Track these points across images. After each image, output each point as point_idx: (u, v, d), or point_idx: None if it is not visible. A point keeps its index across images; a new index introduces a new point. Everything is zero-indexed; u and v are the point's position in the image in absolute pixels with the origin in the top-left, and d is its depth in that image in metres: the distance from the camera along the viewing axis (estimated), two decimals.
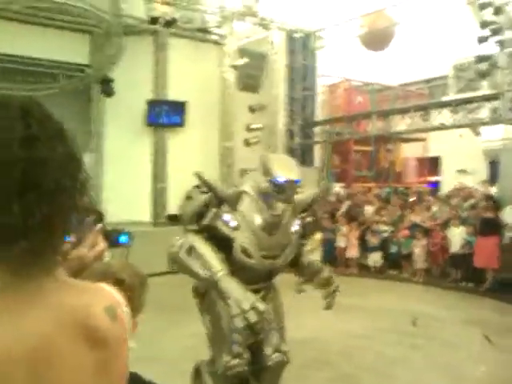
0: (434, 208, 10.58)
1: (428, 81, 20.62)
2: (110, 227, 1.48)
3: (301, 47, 14.63)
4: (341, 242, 10.84)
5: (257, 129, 13.68)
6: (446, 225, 9.67)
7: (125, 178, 11.33)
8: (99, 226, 1.32)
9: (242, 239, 2.98)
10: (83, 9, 10.00)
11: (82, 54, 11.52)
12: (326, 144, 15.74)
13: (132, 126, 12.01)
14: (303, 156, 14.46)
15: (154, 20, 11.27)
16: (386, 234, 10.48)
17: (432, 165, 17.29)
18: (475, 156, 14.76)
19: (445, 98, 14.82)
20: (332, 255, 10.77)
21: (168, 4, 11.46)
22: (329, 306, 3.37)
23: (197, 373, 3.43)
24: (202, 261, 2.93)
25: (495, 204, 9.15)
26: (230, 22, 12.93)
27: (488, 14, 10.64)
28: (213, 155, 12.98)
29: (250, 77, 13.44)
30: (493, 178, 11.83)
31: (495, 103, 11.17)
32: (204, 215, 3.02)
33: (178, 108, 12.47)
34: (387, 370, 5.18)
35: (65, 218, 0.88)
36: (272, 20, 13.57)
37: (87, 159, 11.22)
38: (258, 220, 3.00)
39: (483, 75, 11.73)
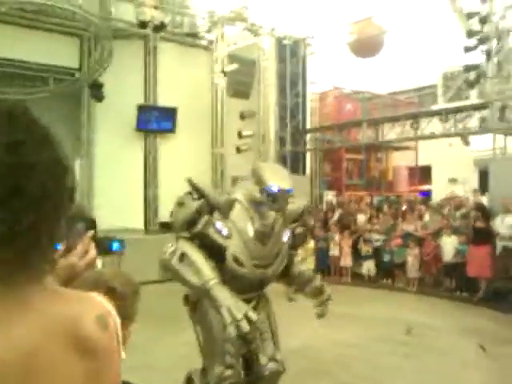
0: (426, 217, 10.59)
1: (417, 89, 20.84)
2: (102, 234, 1.42)
3: (290, 54, 14.67)
4: (335, 251, 10.80)
5: (247, 136, 13.66)
6: (438, 234, 9.67)
7: (116, 183, 11.23)
8: (90, 233, 1.29)
9: (233, 248, 2.97)
10: (72, 11, 9.93)
11: (72, 57, 11.44)
12: (317, 152, 15.77)
13: (122, 131, 11.89)
14: (294, 163, 14.45)
15: (143, 24, 11.19)
16: (378, 243, 10.46)
17: (423, 174, 17.40)
18: (466, 165, 14.88)
19: (434, 107, 14.96)
20: (325, 264, 10.74)
21: (157, 8, 11.41)
22: (321, 315, 3.38)
23: (189, 381, 3.40)
24: (193, 268, 2.90)
25: (486, 213, 9.17)
26: (220, 27, 12.94)
27: (474, 24, 10.76)
28: (204, 162, 12.93)
29: (241, 83, 13.43)
30: (483, 187, 11.89)
31: (484, 112, 11.25)
32: (196, 222, 2.99)
33: (169, 114, 12.40)
34: (383, 380, 5.14)
35: (52, 224, 0.87)
36: (261, 26, 13.61)
37: (78, 165, 11.09)
38: (249, 229, 3.00)
39: (471, 84, 11.85)
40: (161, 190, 12.21)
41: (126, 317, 1.51)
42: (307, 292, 3.40)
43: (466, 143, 12.07)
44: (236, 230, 2.99)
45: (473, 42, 10.80)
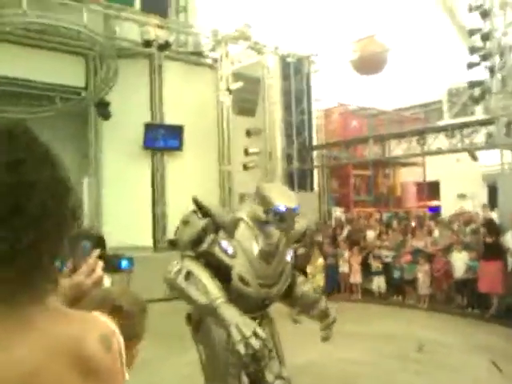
0: (436, 233, 10.48)
1: (423, 105, 20.88)
2: (111, 252, 1.41)
3: (294, 71, 14.76)
4: (344, 268, 10.72)
5: (254, 153, 13.69)
6: (448, 250, 9.56)
7: (124, 201, 11.23)
8: (97, 251, 1.29)
9: (239, 267, 2.97)
10: (77, 31, 10.04)
11: (78, 76, 11.53)
12: (324, 168, 15.76)
13: (130, 149, 11.94)
14: (302, 180, 14.42)
15: (147, 43, 11.31)
16: (388, 259, 10.36)
17: (431, 189, 17.31)
18: (474, 180, 14.78)
19: (440, 123, 14.95)
20: (335, 281, 10.67)
21: (161, 27, 11.56)
22: (326, 338, 3.37)
23: None
24: (200, 287, 2.88)
25: (496, 229, 9.07)
26: (224, 46, 13.07)
27: (477, 40, 10.80)
28: (212, 179, 12.93)
29: (246, 101, 13.52)
30: (492, 203, 11.79)
31: (490, 128, 11.21)
32: (201, 241, 2.98)
33: (175, 132, 12.46)
34: None
35: (54, 243, 0.86)
36: (265, 45, 13.74)
37: (85, 183, 11.13)
38: (254, 248, 3.01)
39: (476, 100, 11.83)
40: (169, 207, 12.20)
41: (134, 335, 1.50)
42: (312, 315, 3.40)
43: (474, 158, 12.01)
44: (241, 249, 2.98)
45: (476, 58, 10.83)
